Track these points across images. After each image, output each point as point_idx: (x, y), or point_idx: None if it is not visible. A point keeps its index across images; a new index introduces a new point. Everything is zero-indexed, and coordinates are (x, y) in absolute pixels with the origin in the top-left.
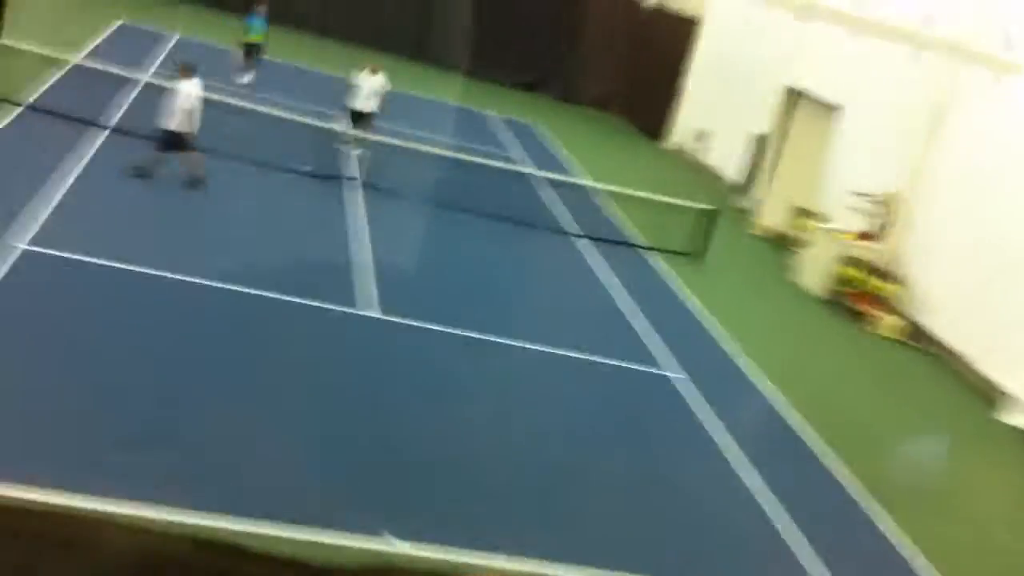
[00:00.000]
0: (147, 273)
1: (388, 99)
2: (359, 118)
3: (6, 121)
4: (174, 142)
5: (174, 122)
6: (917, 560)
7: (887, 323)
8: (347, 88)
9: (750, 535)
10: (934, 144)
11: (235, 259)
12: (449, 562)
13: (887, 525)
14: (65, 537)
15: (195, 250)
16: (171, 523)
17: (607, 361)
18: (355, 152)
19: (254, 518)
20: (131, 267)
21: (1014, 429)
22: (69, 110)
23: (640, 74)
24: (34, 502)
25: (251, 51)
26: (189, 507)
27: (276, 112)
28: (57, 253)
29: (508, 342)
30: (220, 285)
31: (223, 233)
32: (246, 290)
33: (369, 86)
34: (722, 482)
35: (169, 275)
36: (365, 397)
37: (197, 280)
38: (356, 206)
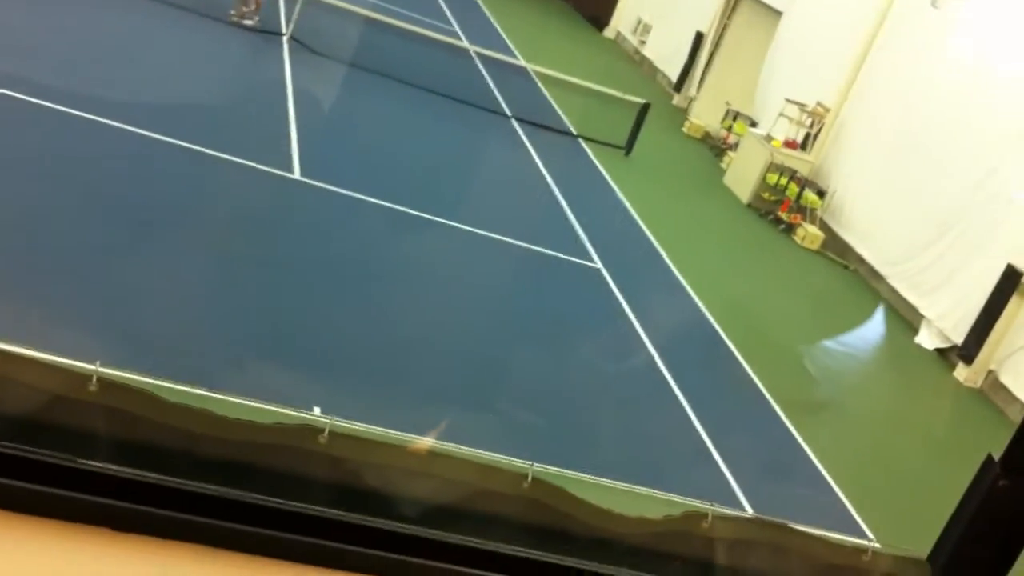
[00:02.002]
0: (59, 110)
1: None
2: None
3: None
4: None
5: None
6: (808, 457)
7: (809, 234)
8: None
9: (666, 426)
10: (868, 61)
11: (144, 102)
12: (369, 433)
13: (792, 430)
14: None
15: (111, 90)
16: (73, 367)
17: (536, 247)
18: (247, 22)
19: (162, 375)
20: (44, 103)
21: (923, 349)
22: None
23: None
24: None
25: None
26: (95, 359)
27: None
28: None
29: (434, 218)
30: (132, 129)
31: (136, 75)
32: (155, 135)
33: None
34: (637, 369)
35: (74, 112)
36: (280, 261)
37: (108, 121)
38: (280, 63)
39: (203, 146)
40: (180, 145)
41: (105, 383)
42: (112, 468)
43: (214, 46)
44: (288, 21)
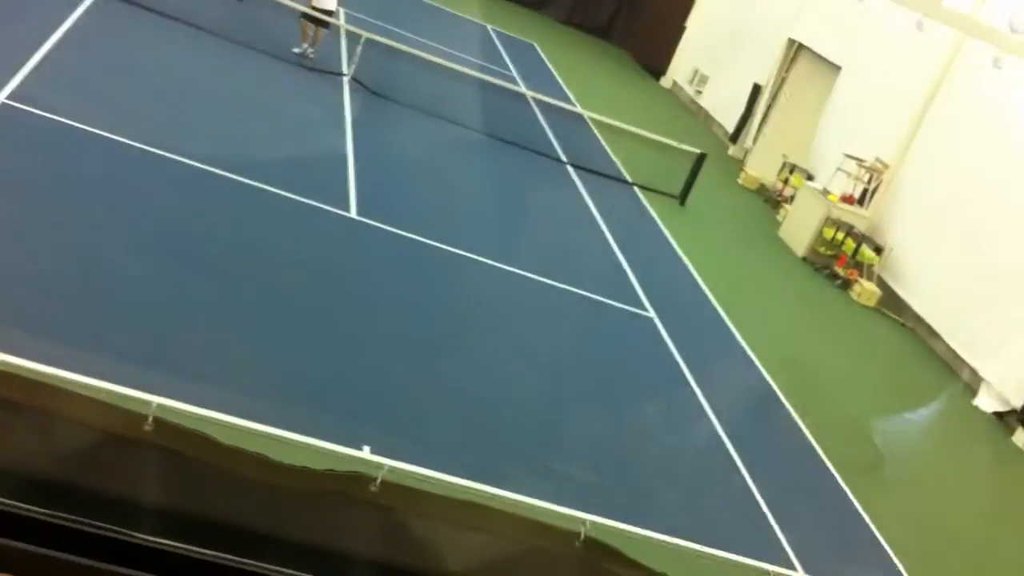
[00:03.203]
0: (124, 143)
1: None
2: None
3: None
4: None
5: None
6: (872, 530)
7: (865, 290)
8: None
9: (718, 484)
10: (928, 116)
11: (211, 139)
12: (418, 477)
13: (846, 492)
14: (19, 401)
15: (173, 124)
16: (129, 399)
17: (588, 294)
18: (308, 51)
19: (216, 408)
20: (110, 135)
21: (982, 412)
22: None
23: (645, 7)
24: None
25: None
26: (150, 388)
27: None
28: (34, 111)
29: (488, 262)
30: (195, 164)
31: (208, 112)
32: (218, 171)
33: None
34: (695, 428)
35: (144, 147)
36: (338, 300)
37: (171, 155)
38: (343, 103)
39: (263, 183)
40: (240, 181)
41: (157, 421)
42: (160, 542)
43: (276, 85)
44: (349, 62)
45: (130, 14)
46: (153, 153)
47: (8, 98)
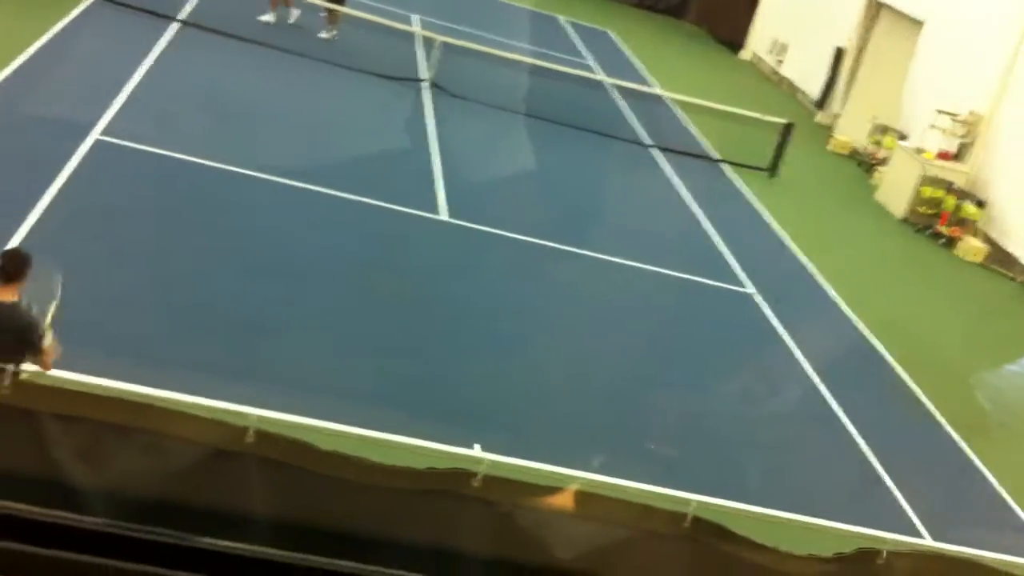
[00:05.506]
0: (217, 167)
1: None
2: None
3: (78, 10)
4: None
5: None
6: (993, 485)
7: (968, 246)
8: None
9: (832, 453)
10: (1019, 63)
11: (297, 155)
12: (520, 469)
13: (966, 452)
14: (127, 424)
15: (260, 144)
16: (231, 413)
17: (685, 275)
18: (326, 35)
19: (316, 416)
20: (202, 160)
21: None
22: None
23: None
24: (99, 388)
25: None
26: (251, 402)
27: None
28: (128, 144)
29: (582, 252)
30: (285, 181)
31: (292, 129)
32: (309, 186)
33: None
34: (804, 399)
35: (235, 169)
36: (436, 302)
37: (259, 175)
38: (424, 107)
39: (351, 193)
40: (330, 194)
41: (258, 433)
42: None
43: (359, 97)
44: (427, 66)
45: (209, 42)
46: (243, 174)
47: (102, 134)
